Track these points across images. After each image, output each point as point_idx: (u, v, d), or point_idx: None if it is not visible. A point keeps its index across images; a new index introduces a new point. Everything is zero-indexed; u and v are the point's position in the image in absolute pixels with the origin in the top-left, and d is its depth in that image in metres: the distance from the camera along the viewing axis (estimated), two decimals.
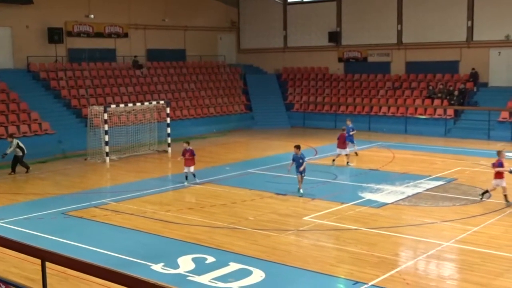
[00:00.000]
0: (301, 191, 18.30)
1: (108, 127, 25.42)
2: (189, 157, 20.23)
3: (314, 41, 40.21)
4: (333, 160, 23.11)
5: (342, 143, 23.10)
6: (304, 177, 18.47)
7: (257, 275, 11.59)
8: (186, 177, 20.30)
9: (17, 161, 22.69)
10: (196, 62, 40.02)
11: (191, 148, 20.48)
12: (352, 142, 24.69)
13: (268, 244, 13.64)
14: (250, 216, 15.92)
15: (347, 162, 23.00)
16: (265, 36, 42.21)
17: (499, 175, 16.96)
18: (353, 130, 24.73)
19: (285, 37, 41.84)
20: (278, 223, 15.32)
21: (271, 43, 42.07)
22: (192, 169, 20.28)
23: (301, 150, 18.88)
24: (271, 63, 41.97)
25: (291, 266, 12.18)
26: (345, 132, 23.47)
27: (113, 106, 27.01)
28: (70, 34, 33.89)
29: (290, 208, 16.83)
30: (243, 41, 43.81)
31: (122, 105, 27.71)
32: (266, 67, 42.41)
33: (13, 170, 22.58)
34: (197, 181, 20.18)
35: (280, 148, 28.09)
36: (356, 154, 24.90)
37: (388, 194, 18.31)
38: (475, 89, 33.90)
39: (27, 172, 22.59)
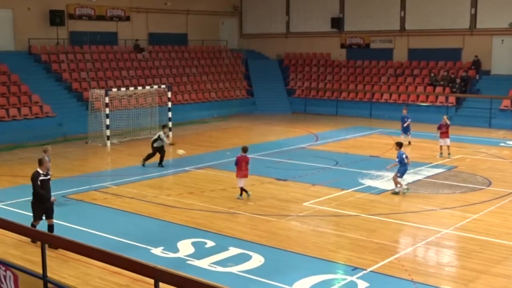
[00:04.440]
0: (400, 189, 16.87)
1: (109, 111, 25.40)
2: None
3: (316, 26, 40.01)
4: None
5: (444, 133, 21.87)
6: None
7: (257, 259, 11.64)
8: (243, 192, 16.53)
9: None
10: (198, 47, 39.88)
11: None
12: (406, 132, 24.10)
13: (267, 229, 13.67)
14: (250, 201, 15.94)
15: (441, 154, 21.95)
16: (267, 21, 42.02)
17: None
18: (407, 119, 24.26)
19: (288, 23, 41.64)
20: (278, 209, 15.35)
21: (273, 29, 41.88)
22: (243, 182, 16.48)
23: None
24: (273, 48, 41.81)
25: (291, 251, 12.22)
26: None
27: (114, 89, 26.98)
28: (71, 16, 33.76)
29: (290, 193, 16.86)
30: (245, 26, 43.61)
31: (123, 89, 27.69)
32: (268, 53, 42.26)
33: None
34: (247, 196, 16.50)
35: (281, 133, 28.08)
36: (409, 143, 24.22)
37: (388, 181, 18.27)
38: (477, 77, 33.79)
39: None
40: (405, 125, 24.17)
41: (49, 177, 12.71)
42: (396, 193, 16.67)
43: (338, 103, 35.63)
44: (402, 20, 36.95)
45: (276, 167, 20.29)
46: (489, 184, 17.76)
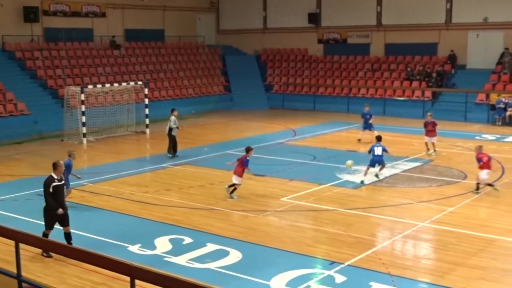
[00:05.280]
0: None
1: (85, 108, 25.17)
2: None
3: (293, 22, 40.02)
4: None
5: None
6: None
7: (234, 255, 11.61)
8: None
9: None
10: (174, 43, 39.66)
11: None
12: (370, 128, 24.15)
13: (245, 225, 13.66)
14: (228, 197, 15.89)
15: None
16: (245, 17, 41.93)
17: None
18: (370, 116, 24.35)
19: (265, 18, 41.61)
20: (256, 204, 15.34)
21: (250, 24, 41.80)
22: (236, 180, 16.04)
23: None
24: (251, 44, 41.74)
25: (269, 247, 12.22)
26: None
27: (90, 86, 26.74)
28: (46, 13, 33.35)
29: (268, 189, 16.85)
30: (223, 22, 43.48)
31: (99, 86, 27.46)
32: (245, 48, 42.19)
33: None
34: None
35: (259, 129, 28.07)
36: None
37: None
38: (453, 71, 34.10)
39: None
40: (370, 121, 24.16)
41: (63, 182, 12.06)
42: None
43: (315, 98, 35.72)
44: (379, 15, 37.12)
45: (254, 163, 20.14)
46: (465, 177, 17.93)
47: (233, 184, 15.96)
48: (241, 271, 10.86)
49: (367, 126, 24.17)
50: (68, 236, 11.85)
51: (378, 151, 17.72)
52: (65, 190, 14.80)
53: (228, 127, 30.09)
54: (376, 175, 17.92)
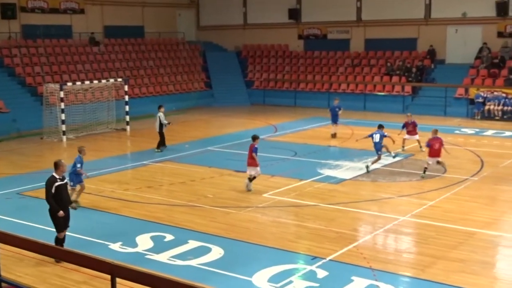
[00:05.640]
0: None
1: (65, 106, 24.94)
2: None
3: (274, 18, 40.01)
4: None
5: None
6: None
7: (216, 252, 11.59)
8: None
9: None
10: (154, 39, 39.43)
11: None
12: (336, 122, 24.32)
13: (227, 221, 13.64)
14: (209, 194, 15.88)
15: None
16: (225, 13, 41.81)
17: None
18: (339, 109, 24.47)
19: (245, 14, 41.53)
20: (237, 200, 15.33)
21: (230, 20, 41.69)
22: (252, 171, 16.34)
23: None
24: (231, 40, 41.65)
25: (250, 243, 12.21)
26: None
27: (69, 84, 26.49)
28: (24, 9, 32.97)
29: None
30: (203, 18, 43.33)
31: (78, 83, 27.21)
32: (226, 44, 42.09)
33: None
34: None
35: (240, 125, 28.03)
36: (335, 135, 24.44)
37: (346, 170, 18.48)
38: (432, 66, 34.33)
39: None
40: (339, 114, 24.29)
41: (66, 181, 11.58)
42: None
43: (296, 94, 35.76)
44: (359, 10, 37.24)
45: (236, 159, 20.23)
46: (445, 171, 18.08)
47: (253, 177, 16.15)
48: (223, 268, 10.85)
49: (336, 120, 24.18)
50: (60, 241, 11.39)
51: (376, 138, 18.26)
52: (78, 186, 14.85)
53: (209, 123, 30.02)
54: (367, 167, 18.12)
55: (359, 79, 35.30)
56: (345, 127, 26.25)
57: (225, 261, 11.21)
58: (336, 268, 10.83)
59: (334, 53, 37.87)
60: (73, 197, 14.42)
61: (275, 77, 38.26)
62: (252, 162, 16.14)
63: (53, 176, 11.35)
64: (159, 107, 22.18)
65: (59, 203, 11.24)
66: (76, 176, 14.80)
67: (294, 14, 39.11)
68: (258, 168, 16.22)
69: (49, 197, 11.18)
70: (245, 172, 18.15)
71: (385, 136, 18.49)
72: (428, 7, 34.97)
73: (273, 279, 10.33)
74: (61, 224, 11.32)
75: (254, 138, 16.42)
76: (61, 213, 11.20)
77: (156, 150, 21.75)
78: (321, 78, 36.53)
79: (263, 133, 25.42)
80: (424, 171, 17.42)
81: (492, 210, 14.36)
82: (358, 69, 36.07)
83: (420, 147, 21.17)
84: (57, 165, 11.44)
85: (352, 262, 11.07)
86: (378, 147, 18.36)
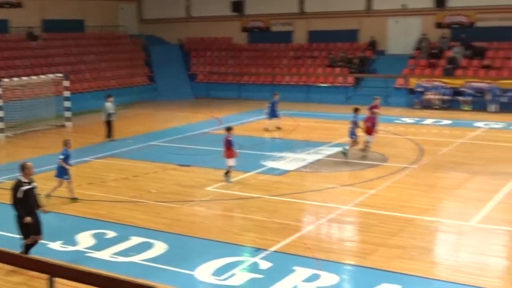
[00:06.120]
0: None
1: (3, 102, 24.24)
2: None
3: (217, 10, 39.87)
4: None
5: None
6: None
7: (160, 247, 11.50)
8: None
9: None
10: (96, 33, 38.69)
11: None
12: (273, 116, 24.28)
13: (171, 216, 13.55)
14: (152, 189, 15.74)
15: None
16: (168, 6, 41.38)
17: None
18: (272, 104, 24.47)
19: (188, 7, 41.24)
20: (181, 195, 15.24)
21: (173, 13, 41.30)
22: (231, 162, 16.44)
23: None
24: (174, 33, 41.27)
25: (195, 237, 12.17)
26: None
27: (6, 80, 25.71)
28: None
29: (194, 179, 16.77)
30: (145, 11, 42.80)
31: (16, 79, 26.45)
32: (169, 38, 41.69)
33: None
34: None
35: (183, 119, 27.86)
36: (267, 129, 24.45)
37: (290, 161, 18.62)
38: (373, 57, 34.90)
39: None
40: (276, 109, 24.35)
41: (34, 185, 10.62)
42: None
43: (241, 86, 35.75)
44: (301, 3, 37.50)
45: (179, 153, 20.13)
46: (386, 160, 18.43)
47: (228, 169, 16.30)
48: (166, 263, 10.78)
49: (274, 114, 24.27)
50: (28, 247, 10.69)
51: (349, 123, 19.05)
52: (66, 181, 14.60)
53: (153, 118, 29.73)
54: (343, 151, 18.88)
55: (302, 71, 35.55)
56: (289, 118, 26.44)
57: (169, 256, 11.14)
58: (280, 259, 10.90)
59: (278, 46, 38.03)
60: (69, 194, 14.65)
61: (219, 70, 38.14)
62: (229, 154, 16.27)
63: (19, 180, 10.54)
64: (108, 96, 22.71)
65: (26, 208, 10.44)
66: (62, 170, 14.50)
67: (238, 6, 39.07)
68: (234, 160, 16.37)
69: (16, 202, 10.37)
70: (189, 166, 18.15)
71: (355, 120, 18.93)
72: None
73: (217, 272, 10.33)
74: (28, 230, 10.53)
75: (228, 129, 16.58)
76: (28, 219, 10.39)
77: (108, 139, 22.24)
78: (265, 71, 36.62)
79: (207, 126, 25.43)
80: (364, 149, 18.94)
81: (431, 197, 14.74)
82: (301, 61, 36.33)
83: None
84: (23, 168, 10.57)
85: (295, 253, 11.16)
86: (350, 132, 18.98)
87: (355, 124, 18.97)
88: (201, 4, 40.53)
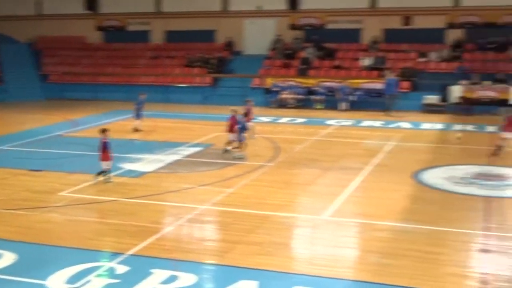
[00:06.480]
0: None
1: None
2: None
3: (71, 8, 38.54)
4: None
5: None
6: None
7: (8, 258, 10.82)
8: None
9: None
10: None
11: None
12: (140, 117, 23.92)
13: (21, 224, 12.83)
14: (1, 196, 14.82)
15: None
16: (17, 3, 39.25)
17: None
18: (139, 104, 24.04)
19: (39, 4, 39.38)
20: (33, 201, 14.49)
21: (23, 10, 39.28)
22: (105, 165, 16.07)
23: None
24: (24, 31, 39.23)
25: (47, 245, 11.60)
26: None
27: None
28: None
29: (47, 184, 16.02)
30: None
31: None
32: (18, 36, 39.53)
33: None
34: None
35: (35, 121, 26.56)
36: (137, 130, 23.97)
37: (148, 163, 18.38)
38: (231, 57, 35.41)
39: None
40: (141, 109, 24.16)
41: None
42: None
43: (96, 87, 34.78)
44: (158, 2, 37.18)
45: (30, 158, 19.14)
46: (244, 158, 18.75)
47: (102, 171, 15.81)
48: (15, 274, 10.16)
49: (139, 115, 23.98)
50: None
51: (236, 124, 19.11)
52: None
53: (2, 120, 28.03)
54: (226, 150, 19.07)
55: (160, 71, 35.28)
56: (148, 119, 26.04)
57: (18, 266, 10.51)
58: (137, 262, 10.69)
59: (135, 45, 37.45)
60: None
61: (73, 70, 36.76)
62: (104, 157, 15.87)
63: None
64: None
65: None
66: None
67: (92, 4, 38.02)
68: (110, 162, 15.91)
69: None
70: (41, 170, 17.32)
71: (242, 121, 19.18)
72: (224, 0, 35.95)
73: (71, 280, 9.91)
74: None
75: (103, 130, 16.16)
76: None
77: None
78: (122, 71, 35.88)
79: (60, 129, 24.44)
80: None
81: (286, 193, 15.20)
82: (159, 60, 36.06)
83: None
84: None
85: (153, 255, 11.00)
86: (238, 134, 19.03)
87: (242, 125, 19.11)
88: (54, 1, 38.88)
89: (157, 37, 37.67)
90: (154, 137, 22.76)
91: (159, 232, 12.37)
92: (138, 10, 37.42)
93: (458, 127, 25.20)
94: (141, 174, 17.06)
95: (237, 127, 19.09)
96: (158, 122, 25.72)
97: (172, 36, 37.24)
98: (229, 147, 19.23)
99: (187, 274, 10.12)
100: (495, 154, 18.95)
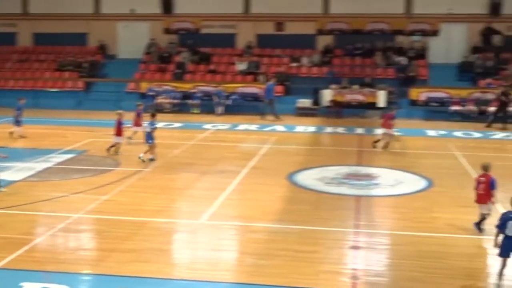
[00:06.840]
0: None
1: None
2: None
3: None
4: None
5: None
6: None
7: None
8: None
9: None
10: None
11: None
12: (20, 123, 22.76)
13: None
14: None
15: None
16: None
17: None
18: (19, 110, 22.86)
19: None
20: None
21: None
22: None
23: None
24: None
25: None
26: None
27: None
28: None
29: None
30: None
31: None
32: None
33: None
34: None
35: None
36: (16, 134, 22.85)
37: (17, 171, 17.50)
38: (104, 61, 34.59)
39: None
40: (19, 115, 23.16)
41: None
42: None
43: None
44: (25, 3, 35.64)
45: None
46: (118, 164, 18.37)
47: None
48: None
49: (18, 121, 22.89)
50: None
51: (147, 128, 18.88)
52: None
53: None
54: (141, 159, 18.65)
55: (28, 75, 33.72)
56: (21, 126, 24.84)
57: None
58: (5, 276, 10.13)
59: (0, 48, 35.58)
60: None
61: None
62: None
63: None
64: None
65: None
66: None
67: None
68: None
69: None
70: None
71: (152, 126, 19.04)
72: (97, 3, 35.09)
73: None
74: None
75: None
76: None
77: None
78: None
79: None
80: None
81: (163, 198, 15.06)
82: (27, 64, 34.51)
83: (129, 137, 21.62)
84: None
85: (22, 268, 10.47)
86: (146, 137, 18.88)
87: (152, 129, 18.94)
88: None
89: (24, 40, 36.02)
90: (24, 144, 21.72)
91: (30, 243, 11.80)
92: (3, 11, 35.58)
93: (329, 129, 26.23)
94: (9, 183, 16.16)
95: (146, 130, 19.15)
96: (28, 129, 24.47)
97: (41, 39, 35.74)
98: (112, 151, 19.52)
99: (60, 286, 9.74)
100: (386, 147, 21.11)
